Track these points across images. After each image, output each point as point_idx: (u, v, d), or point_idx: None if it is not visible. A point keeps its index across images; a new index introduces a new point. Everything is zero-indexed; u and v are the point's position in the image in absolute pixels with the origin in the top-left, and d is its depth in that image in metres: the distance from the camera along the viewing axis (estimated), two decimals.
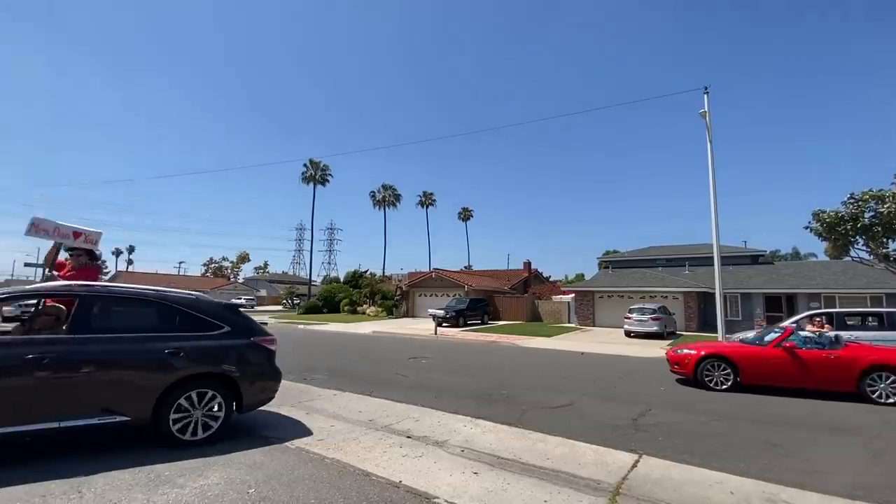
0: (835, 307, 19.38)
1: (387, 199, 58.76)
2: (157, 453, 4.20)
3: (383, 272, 51.77)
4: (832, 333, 9.42)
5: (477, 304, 28.19)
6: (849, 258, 17.06)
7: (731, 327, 16.76)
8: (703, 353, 9.06)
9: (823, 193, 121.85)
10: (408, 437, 5.17)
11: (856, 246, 15.25)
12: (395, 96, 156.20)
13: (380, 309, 34.06)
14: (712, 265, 15.55)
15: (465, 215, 72.38)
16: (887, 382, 7.85)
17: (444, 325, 24.08)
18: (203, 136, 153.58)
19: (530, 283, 40.31)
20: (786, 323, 12.27)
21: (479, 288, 32.81)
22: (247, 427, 5.22)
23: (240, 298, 50.80)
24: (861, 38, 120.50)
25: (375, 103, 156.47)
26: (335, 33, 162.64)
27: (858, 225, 14.46)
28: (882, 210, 13.79)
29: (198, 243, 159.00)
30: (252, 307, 50.27)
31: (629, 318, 20.52)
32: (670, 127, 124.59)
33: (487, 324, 27.50)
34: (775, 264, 30.68)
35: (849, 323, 12.01)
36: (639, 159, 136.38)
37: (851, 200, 14.71)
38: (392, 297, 35.55)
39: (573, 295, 29.85)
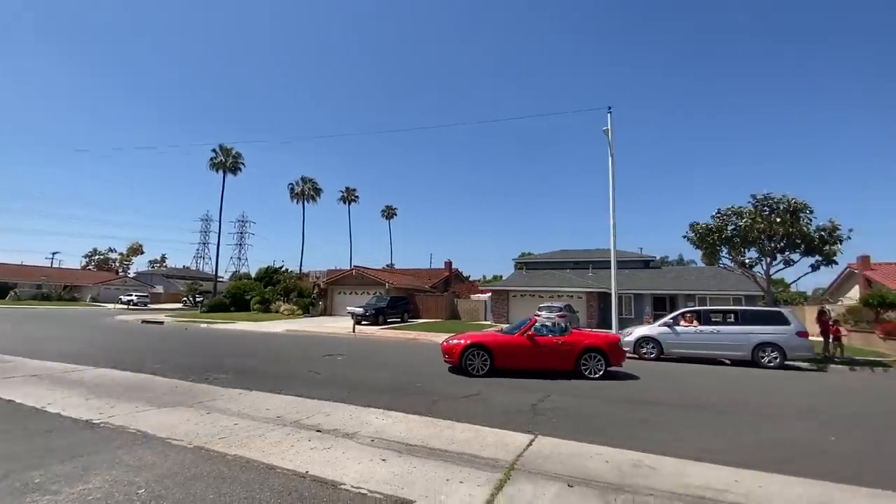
0: (706, 306, 22.61)
1: (306, 192, 55.82)
2: (24, 458, 3.74)
3: (300, 269, 49.51)
4: (562, 322, 10.99)
5: (397, 303, 28.22)
6: (719, 265, 19.91)
7: (625, 324, 18.71)
8: (467, 342, 9.87)
9: (718, 198, 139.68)
10: (318, 430, 5.15)
11: (721, 254, 17.85)
12: (320, 91, 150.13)
13: (295, 307, 32.55)
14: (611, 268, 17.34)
15: (389, 213, 71.75)
16: (594, 362, 9.72)
17: (363, 323, 23.81)
18: (92, 112, 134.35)
19: (451, 283, 41.31)
20: (663, 319, 14.02)
21: (401, 286, 32.86)
22: None
23: (130, 295, 45.71)
24: (758, 51, 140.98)
25: (298, 95, 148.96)
26: (253, 14, 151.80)
27: (723, 236, 16.97)
28: (740, 224, 16.35)
29: (80, 233, 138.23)
30: (145, 305, 45.10)
31: (538, 315, 22.01)
32: (587, 137, 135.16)
33: (408, 322, 27.65)
34: (662, 269, 34.85)
35: (713, 320, 13.85)
36: (556, 166, 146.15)
37: (718, 215, 17.23)
38: (309, 295, 34.19)
39: (490, 294, 31.22)
